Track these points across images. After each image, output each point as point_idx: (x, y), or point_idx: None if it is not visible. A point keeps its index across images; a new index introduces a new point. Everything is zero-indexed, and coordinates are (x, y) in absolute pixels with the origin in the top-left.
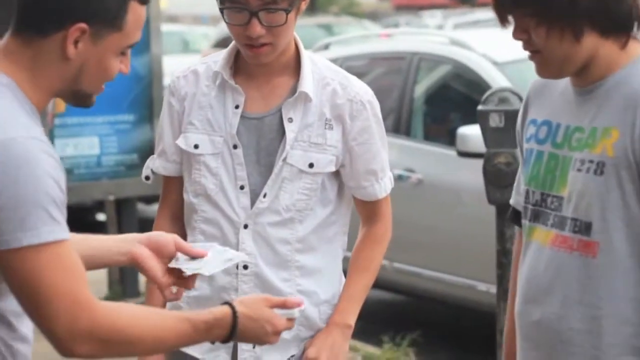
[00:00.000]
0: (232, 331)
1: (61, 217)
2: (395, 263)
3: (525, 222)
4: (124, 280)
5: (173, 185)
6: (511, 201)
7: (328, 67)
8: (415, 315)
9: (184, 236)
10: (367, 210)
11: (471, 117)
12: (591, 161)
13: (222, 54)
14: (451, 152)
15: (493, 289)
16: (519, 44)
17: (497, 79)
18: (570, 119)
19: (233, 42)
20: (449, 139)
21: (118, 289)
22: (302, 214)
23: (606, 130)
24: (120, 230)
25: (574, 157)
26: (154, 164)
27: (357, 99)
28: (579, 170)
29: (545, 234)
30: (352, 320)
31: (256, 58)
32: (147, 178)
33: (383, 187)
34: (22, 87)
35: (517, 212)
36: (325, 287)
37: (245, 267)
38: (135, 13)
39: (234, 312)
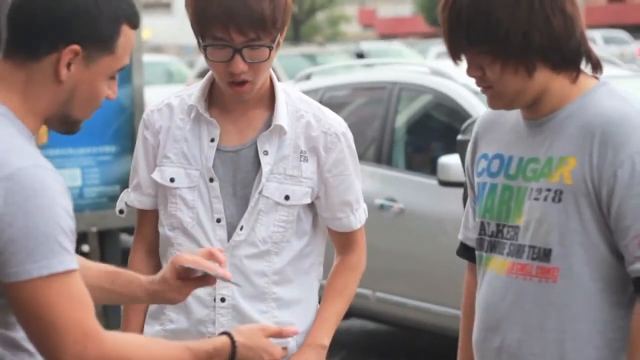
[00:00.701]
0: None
1: (70, 246)
2: (378, 292)
3: (481, 253)
4: (107, 313)
5: (148, 219)
6: (459, 236)
7: (301, 99)
8: (398, 344)
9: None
10: (342, 241)
11: (452, 146)
12: (548, 189)
13: (197, 86)
14: (433, 182)
15: None
16: None
17: (477, 108)
18: (523, 151)
19: (207, 75)
20: (431, 168)
21: (101, 322)
22: (278, 246)
23: (562, 159)
24: (104, 261)
25: (529, 187)
26: (129, 197)
27: (332, 131)
28: (535, 199)
29: (501, 263)
30: (326, 341)
31: (238, 96)
32: (121, 212)
33: (358, 218)
34: (17, 114)
35: (466, 247)
36: (302, 318)
37: (223, 299)
38: (127, 36)
39: (233, 342)
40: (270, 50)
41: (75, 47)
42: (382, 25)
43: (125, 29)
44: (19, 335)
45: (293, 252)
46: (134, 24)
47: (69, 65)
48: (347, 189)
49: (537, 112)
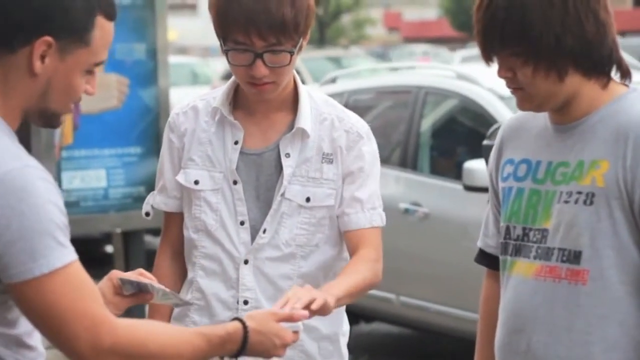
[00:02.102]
0: (243, 345)
1: (66, 240)
2: (402, 297)
3: (506, 257)
4: (131, 314)
5: (174, 221)
6: (479, 243)
7: (325, 101)
8: (422, 348)
9: (184, 272)
10: (354, 241)
11: (477, 151)
12: (579, 192)
13: (221, 89)
14: (458, 186)
15: None
16: None
17: (503, 113)
18: (552, 155)
19: (232, 78)
20: (456, 172)
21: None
22: (304, 249)
23: (594, 163)
24: (128, 262)
25: (558, 190)
26: (155, 200)
27: (354, 130)
28: (565, 202)
29: (527, 266)
30: (336, 294)
31: (259, 95)
32: (147, 214)
33: (368, 217)
34: None
35: (484, 254)
36: (327, 322)
37: (246, 302)
38: (103, 29)
39: (245, 327)
40: (292, 55)
41: (48, 38)
42: (407, 28)
43: (101, 21)
44: (19, 331)
45: (324, 257)
46: (110, 15)
47: (43, 58)
48: (360, 186)
49: (567, 116)
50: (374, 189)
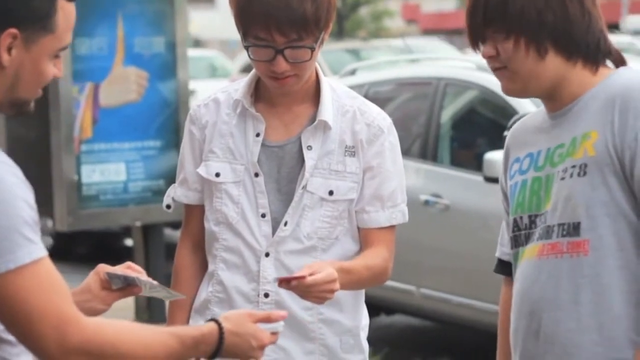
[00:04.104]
0: (218, 346)
1: (35, 236)
2: (423, 289)
3: (517, 250)
4: (151, 307)
5: (195, 214)
6: (496, 254)
7: (347, 94)
8: (443, 341)
9: (205, 265)
10: (368, 239)
11: (498, 142)
12: (573, 166)
13: (243, 82)
14: (478, 178)
15: None
16: None
17: (523, 104)
18: (550, 141)
19: (254, 70)
20: (476, 164)
21: (144, 316)
22: (325, 242)
23: (585, 135)
24: (148, 255)
25: (556, 171)
26: (176, 193)
27: (375, 124)
28: (562, 179)
29: (532, 249)
30: (345, 266)
31: (281, 88)
32: (168, 207)
33: (388, 216)
34: None
35: (502, 263)
36: (349, 316)
37: (266, 295)
38: (65, 11)
39: (220, 328)
40: (313, 51)
41: (13, 30)
42: (425, 20)
43: (63, 4)
44: None
45: (344, 251)
46: None
47: (9, 49)
48: (381, 184)
49: (559, 102)
50: (395, 185)
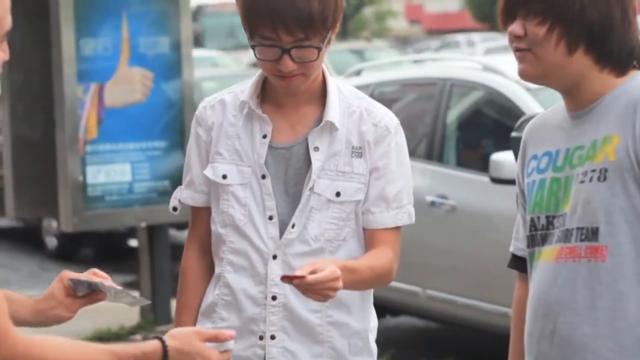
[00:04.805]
0: None
1: None
2: (429, 290)
3: (533, 250)
4: (156, 308)
5: (201, 216)
6: (510, 248)
7: (354, 94)
8: (448, 342)
9: (212, 267)
10: (375, 239)
11: (504, 143)
12: (593, 170)
13: (249, 82)
14: (484, 179)
15: None
16: None
17: (530, 105)
18: (569, 142)
19: (260, 71)
20: (482, 165)
21: (150, 317)
22: (332, 244)
23: (606, 139)
24: (153, 256)
25: (575, 173)
26: (182, 195)
27: (382, 124)
28: (581, 182)
29: (550, 251)
30: (348, 265)
31: (287, 88)
32: (174, 209)
33: (393, 217)
34: None
35: (516, 258)
36: (357, 318)
37: (274, 297)
38: None
39: (164, 346)
40: (319, 51)
41: None
42: (428, 20)
43: None
44: None
45: (351, 252)
46: None
47: None
48: (387, 184)
49: (580, 101)
50: (401, 186)
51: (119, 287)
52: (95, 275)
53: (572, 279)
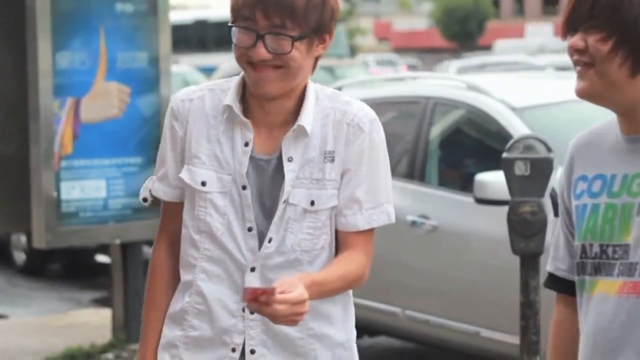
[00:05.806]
0: None
1: None
2: (408, 311)
3: (583, 278)
4: (128, 326)
5: (173, 211)
6: (548, 268)
7: (330, 96)
8: None
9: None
10: (346, 242)
11: (487, 163)
12: None
13: (231, 84)
14: (467, 199)
15: (507, 338)
16: (537, 89)
17: (514, 125)
18: (628, 167)
19: (240, 75)
20: (464, 185)
21: (122, 335)
22: (310, 254)
23: None
24: (126, 273)
25: (636, 202)
26: (154, 187)
27: (355, 123)
28: None
29: (610, 284)
30: (317, 278)
31: (259, 80)
32: (144, 200)
33: (366, 218)
34: None
35: (555, 278)
36: (339, 328)
37: (253, 312)
38: None
39: None
40: (294, 42)
41: None
42: (397, 38)
43: None
44: None
45: (329, 260)
46: None
47: None
48: (358, 185)
49: (638, 124)
50: (375, 185)
51: None
52: None
53: (636, 316)
